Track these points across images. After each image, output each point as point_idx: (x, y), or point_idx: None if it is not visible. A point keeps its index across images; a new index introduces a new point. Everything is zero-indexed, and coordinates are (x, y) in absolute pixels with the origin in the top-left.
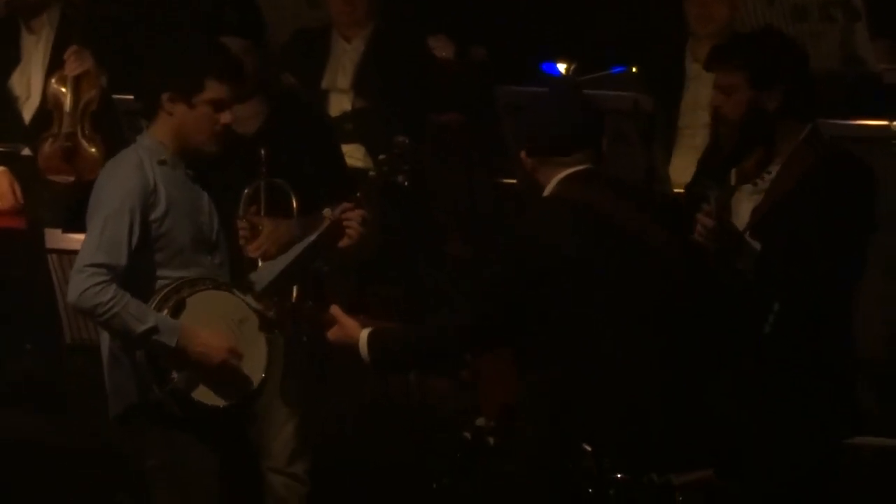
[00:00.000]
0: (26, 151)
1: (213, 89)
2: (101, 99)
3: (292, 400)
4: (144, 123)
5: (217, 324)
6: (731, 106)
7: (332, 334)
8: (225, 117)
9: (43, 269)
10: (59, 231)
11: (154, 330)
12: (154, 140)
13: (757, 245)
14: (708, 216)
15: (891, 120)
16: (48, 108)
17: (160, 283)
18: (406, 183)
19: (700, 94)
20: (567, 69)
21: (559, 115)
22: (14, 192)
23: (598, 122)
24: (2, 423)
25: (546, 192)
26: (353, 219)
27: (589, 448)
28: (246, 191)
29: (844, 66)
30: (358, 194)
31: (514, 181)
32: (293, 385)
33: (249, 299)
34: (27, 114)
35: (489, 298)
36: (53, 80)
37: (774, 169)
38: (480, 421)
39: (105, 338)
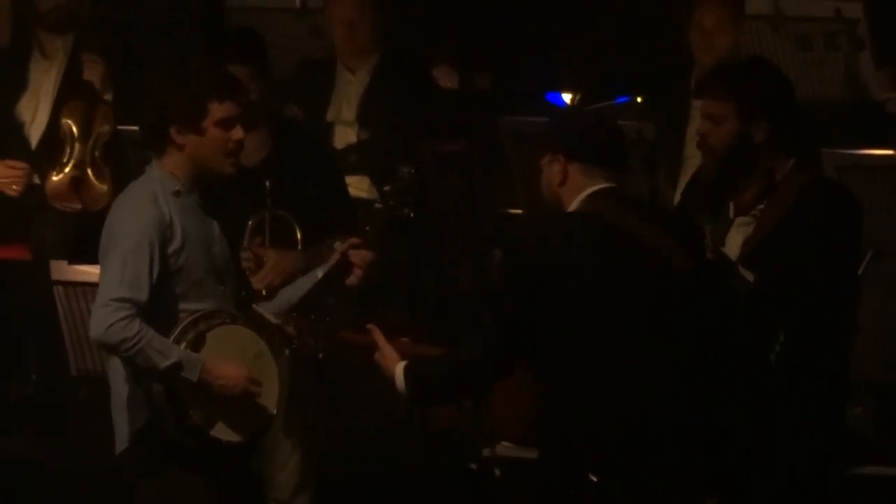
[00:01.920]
0: (35, 180)
1: (218, 110)
2: (112, 132)
3: (298, 431)
4: (152, 155)
5: (235, 358)
6: (718, 135)
7: (377, 359)
8: (236, 133)
9: (48, 300)
10: (64, 263)
11: (178, 365)
12: (165, 172)
13: (750, 276)
14: (706, 249)
15: (894, 148)
16: (59, 136)
17: (180, 315)
18: (411, 214)
19: None
20: (572, 99)
21: (606, 125)
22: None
23: (626, 145)
24: (6, 448)
25: (572, 208)
26: (359, 257)
27: (595, 479)
28: (250, 222)
29: (848, 95)
30: (367, 228)
31: (519, 211)
32: (299, 416)
33: (269, 314)
34: (33, 139)
35: (508, 324)
36: (65, 111)
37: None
38: (487, 451)
39: (114, 368)
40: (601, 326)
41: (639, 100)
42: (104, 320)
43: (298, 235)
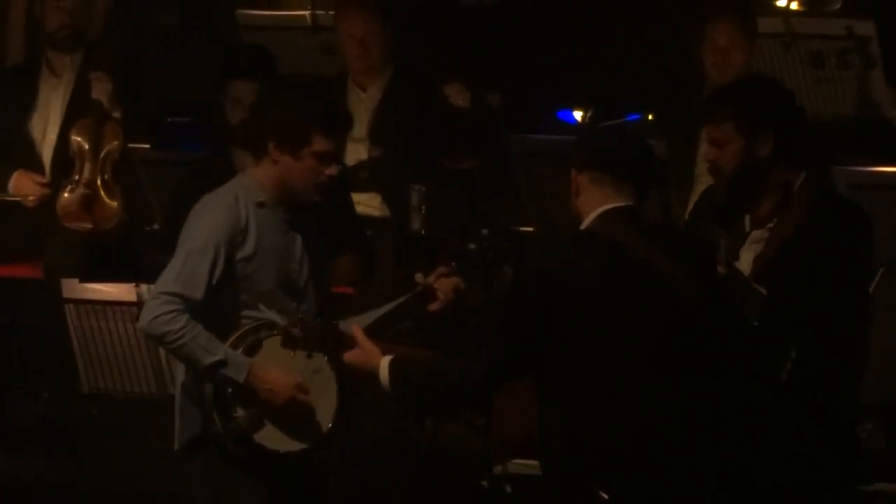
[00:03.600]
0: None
1: (320, 143)
2: (122, 149)
3: None
4: (249, 162)
5: (290, 369)
6: (725, 158)
7: (350, 356)
8: (330, 170)
9: (59, 319)
10: (75, 281)
11: (222, 363)
12: (255, 181)
13: (763, 290)
14: (718, 263)
15: None
16: (70, 155)
17: (243, 321)
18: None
19: None
20: (583, 117)
21: (627, 138)
22: (37, 182)
23: (652, 162)
24: (18, 466)
25: (584, 226)
26: (446, 286)
27: (605, 496)
28: None
29: (860, 113)
30: (453, 264)
31: (529, 228)
32: None
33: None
34: (44, 157)
35: (509, 339)
36: (76, 129)
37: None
38: (498, 469)
39: (180, 370)
40: (608, 347)
41: (650, 117)
42: (151, 312)
43: None
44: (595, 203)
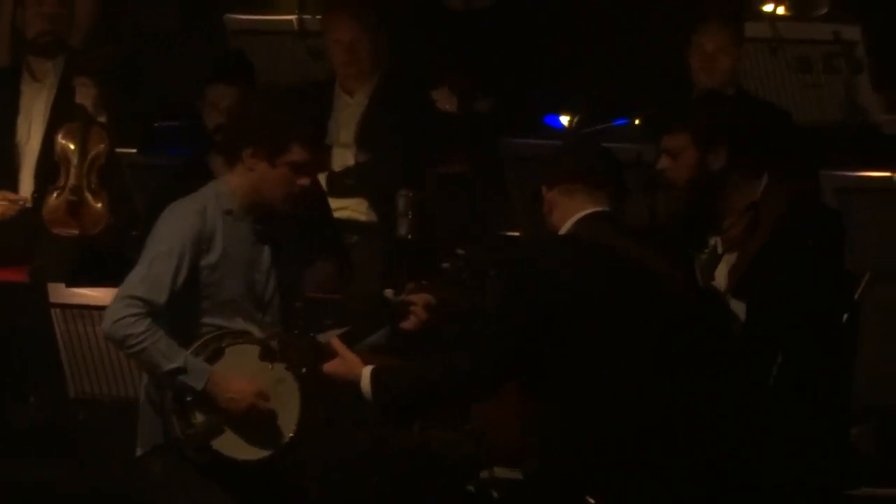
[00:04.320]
0: (28, 205)
1: (298, 153)
2: (108, 154)
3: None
4: (222, 168)
5: (252, 377)
6: (678, 170)
7: (329, 367)
8: (304, 180)
9: (46, 323)
10: (62, 285)
11: (181, 370)
12: (228, 188)
13: (741, 309)
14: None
15: (893, 171)
16: (55, 160)
17: (205, 329)
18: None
19: None
20: (570, 122)
21: (589, 148)
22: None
23: (620, 167)
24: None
25: (562, 231)
26: (418, 303)
27: (593, 501)
28: None
29: (847, 118)
30: (424, 282)
31: (518, 233)
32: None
33: (254, 328)
34: (28, 162)
35: (495, 341)
36: (61, 134)
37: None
38: (485, 474)
39: (144, 376)
40: (598, 348)
41: (637, 122)
42: (114, 315)
43: None
44: (570, 212)
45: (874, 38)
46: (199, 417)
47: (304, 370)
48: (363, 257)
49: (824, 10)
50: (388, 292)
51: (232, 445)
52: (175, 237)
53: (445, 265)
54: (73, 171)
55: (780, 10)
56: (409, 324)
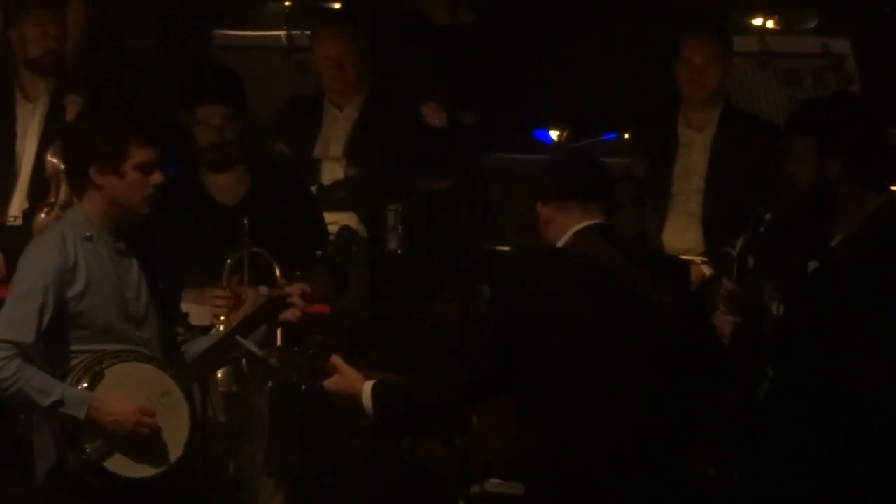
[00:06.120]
0: (17, 221)
1: (139, 153)
2: None
3: (280, 469)
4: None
5: (137, 395)
6: (805, 173)
7: (331, 384)
8: (155, 178)
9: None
10: None
11: (59, 403)
12: (82, 215)
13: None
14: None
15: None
16: (45, 177)
17: (81, 357)
18: (399, 251)
19: (692, 159)
20: (559, 136)
21: (579, 163)
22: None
23: (610, 179)
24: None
25: (560, 244)
26: (294, 294)
27: None
28: (229, 260)
29: None
30: (297, 273)
31: (505, 247)
32: (281, 454)
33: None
34: (22, 180)
35: (487, 351)
36: (51, 151)
37: (836, 239)
38: (476, 488)
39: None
40: (586, 360)
41: (626, 136)
42: None
43: (277, 273)
44: (567, 226)
45: (863, 52)
46: (88, 444)
47: (303, 388)
48: (354, 271)
49: (814, 24)
50: (263, 289)
51: (126, 465)
52: (36, 275)
53: (318, 253)
54: (63, 188)
55: (770, 24)
56: (289, 314)
